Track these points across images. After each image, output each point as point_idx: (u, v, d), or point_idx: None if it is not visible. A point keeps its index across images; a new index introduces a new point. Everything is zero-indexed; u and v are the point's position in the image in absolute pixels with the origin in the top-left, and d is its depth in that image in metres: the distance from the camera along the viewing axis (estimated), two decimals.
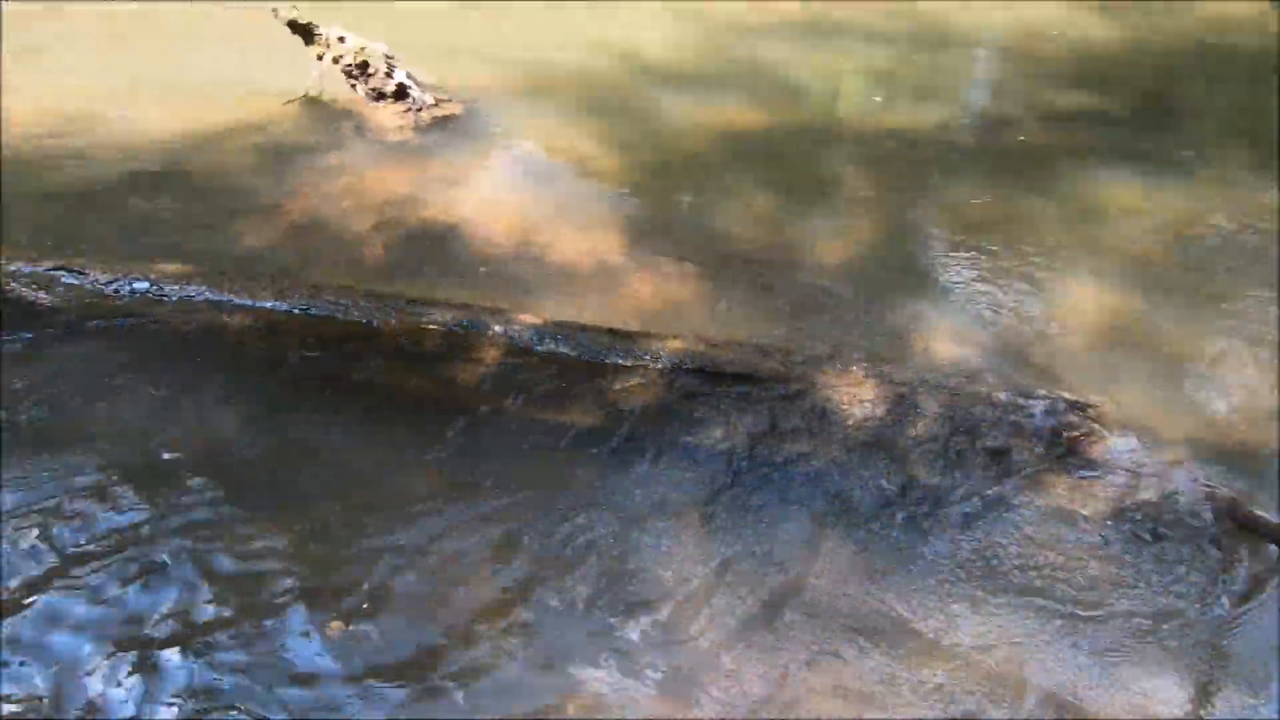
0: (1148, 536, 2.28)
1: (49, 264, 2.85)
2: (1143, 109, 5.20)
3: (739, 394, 2.56)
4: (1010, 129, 4.89)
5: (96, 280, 2.80)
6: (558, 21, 6.76)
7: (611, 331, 2.76)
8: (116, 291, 2.78)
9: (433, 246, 3.47)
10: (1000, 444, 2.41)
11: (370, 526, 2.23)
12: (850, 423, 2.46)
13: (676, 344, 2.72)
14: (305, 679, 1.88)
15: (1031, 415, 2.48)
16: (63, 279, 2.80)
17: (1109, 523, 2.31)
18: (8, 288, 2.77)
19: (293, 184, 3.85)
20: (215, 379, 2.65)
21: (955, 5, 7.45)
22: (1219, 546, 2.25)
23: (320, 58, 4.56)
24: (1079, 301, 3.30)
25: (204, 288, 2.82)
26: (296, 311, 2.77)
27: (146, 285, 2.79)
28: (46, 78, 4.84)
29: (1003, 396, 2.57)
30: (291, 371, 2.72)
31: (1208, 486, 2.34)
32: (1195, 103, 5.35)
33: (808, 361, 2.73)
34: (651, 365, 2.62)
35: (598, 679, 1.91)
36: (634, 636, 1.99)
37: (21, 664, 1.84)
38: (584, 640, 2.00)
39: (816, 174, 4.35)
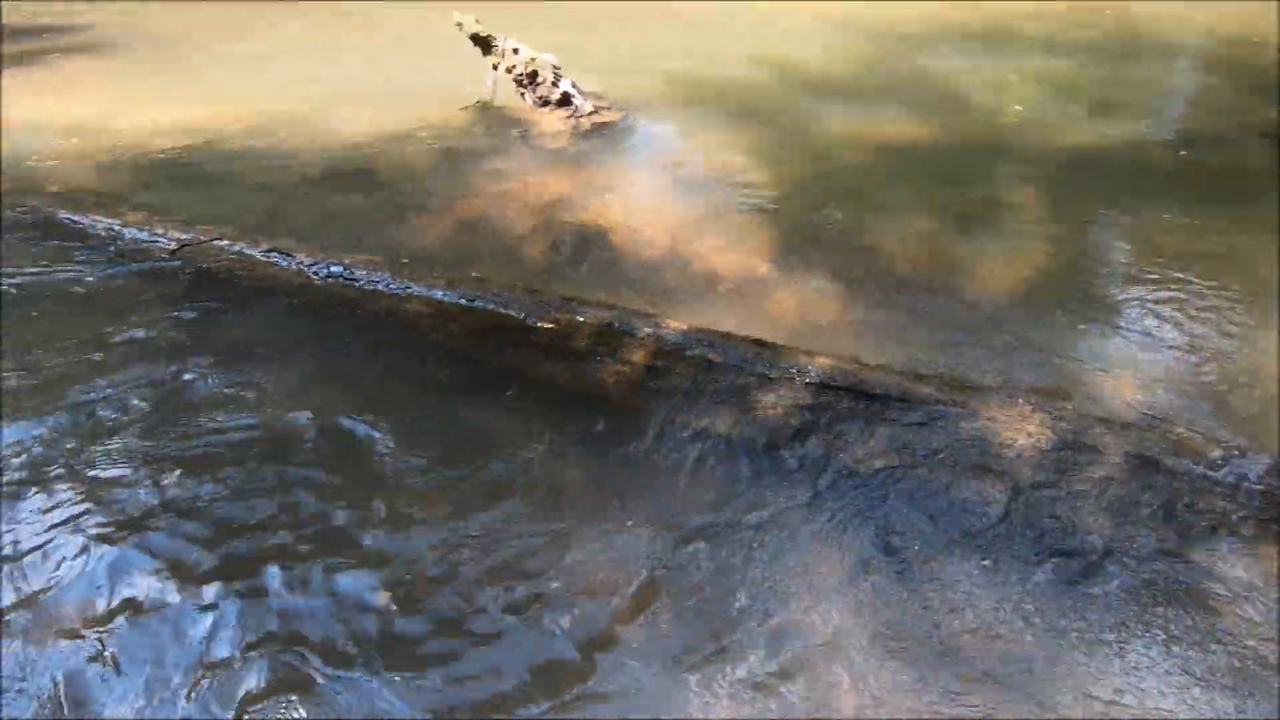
0: None
1: (265, 246, 3.27)
2: None
3: (889, 417, 2.48)
4: (1216, 147, 4.40)
5: (301, 263, 3.17)
6: (716, 35, 6.85)
7: (759, 342, 2.77)
8: (316, 273, 3.13)
9: (586, 248, 3.62)
10: (1197, 502, 2.16)
11: (512, 515, 2.35)
12: (1013, 458, 2.31)
13: (825, 360, 2.67)
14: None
15: (1239, 474, 2.21)
16: (275, 260, 3.20)
17: None
18: (233, 265, 3.20)
19: (463, 185, 4.15)
20: (393, 355, 2.91)
21: (1148, 7, 6.81)
22: None
23: (495, 66, 4.89)
24: None
25: (386, 275, 3.11)
26: (463, 302, 2.98)
27: (341, 269, 3.13)
28: (259, 85, 5.52)
29: (1201, 446, 2.31)
30: (454, 354, 2.93)
31: None
32: None
33: (967, 389, 2.60)
34: (798, 379, 2.59)
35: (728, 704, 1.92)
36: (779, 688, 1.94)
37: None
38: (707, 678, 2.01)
39: (983, 192, 4.12)
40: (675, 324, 2.88)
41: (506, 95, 5.04)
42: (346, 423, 2.61)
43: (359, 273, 3.12)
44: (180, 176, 4.22)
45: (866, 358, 2.88)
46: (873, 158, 4.43)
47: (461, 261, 3.51)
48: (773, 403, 2.55)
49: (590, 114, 4.81)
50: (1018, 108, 4.97)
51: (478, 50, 4.94)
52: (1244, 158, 4.37)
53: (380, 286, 3.07)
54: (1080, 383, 2.78)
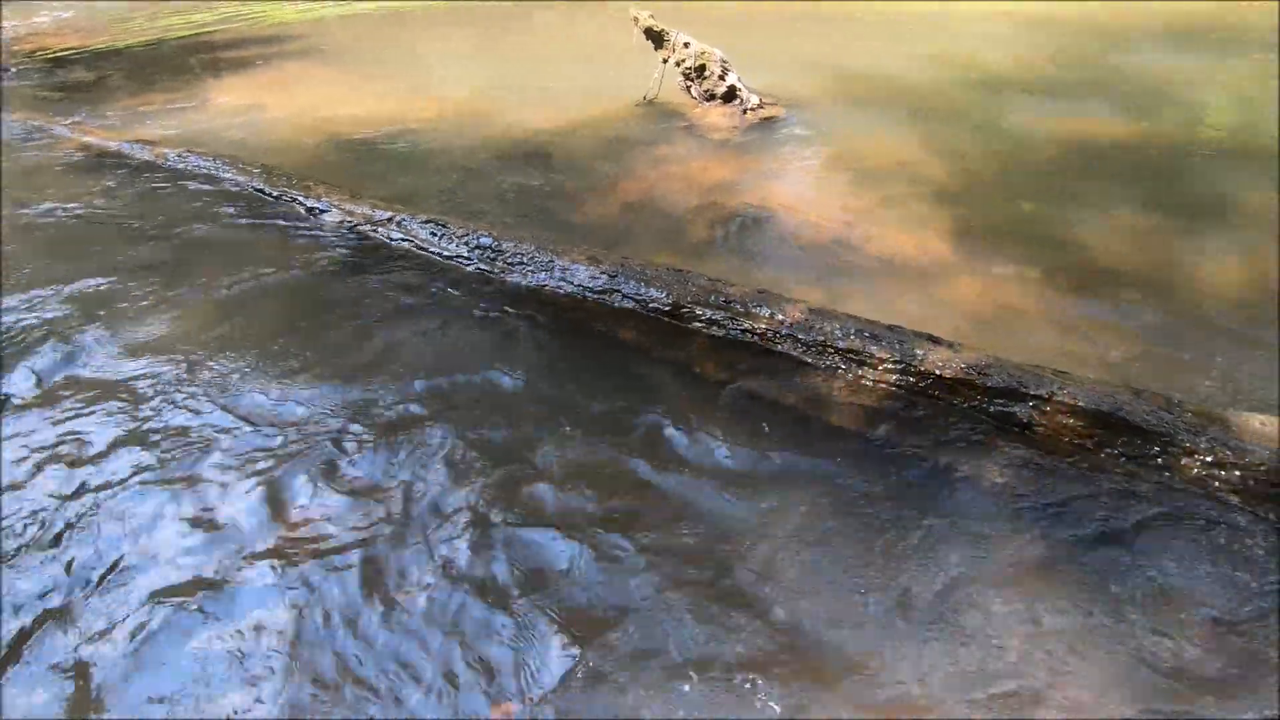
0: None
1: (424, 218, 3.44)
2: None
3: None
4: None
5: (453, 233, 3.30)
6: (895, 34, 6.65)
7: (932, 339, 2.51)
8: (467, 243, 3.26)
9: (749, 229, 3.55)
10: None
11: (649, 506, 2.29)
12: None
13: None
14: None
15: None
16: (432, 230, 3.37)
17: None
18: (404, 231, 3.41)
19: (628, 170, 4.23)
20: (531, 321, 2.95)
21: None
22: None
23: (665, 61, 4.98)
24: None
25: (532, 247, 3.16)
26: (602, 277, 2.95)
27: (490, 240, 3.22)
28: (455, 84, 5.94)
29: None
30: (589, 330, 2.88)
31: None
32: None
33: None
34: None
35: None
36: None
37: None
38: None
39: (1196, 190, 3.67)
40: (824, 306, 2.72)
41: (672, 92, 5.11)
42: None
43: (506, 244, 3.18)
44: (377, 157, 4.60)
45: (1067, 348, 2.60)
46: (1066, 154, 4.07)
47: (622, 236, 3.55)
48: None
49: (756, 108, 4.76)
50: (1212, 103, 4.42)
51: (641, 51, 5.06)
52: None
53: (525, 256, 3.11)
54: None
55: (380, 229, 3.52)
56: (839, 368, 2.51)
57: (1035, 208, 3.58)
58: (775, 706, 1.65)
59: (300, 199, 3.83)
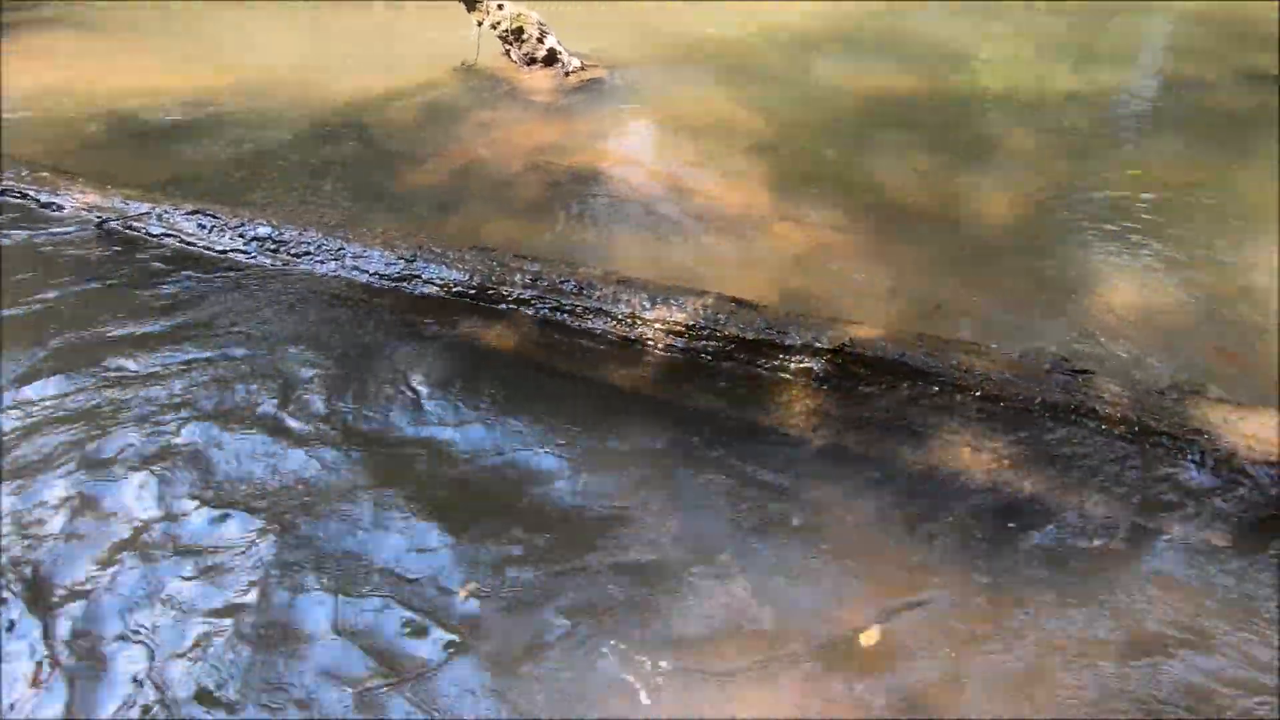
0: None
1: (189, 208, 3.01)
2: None
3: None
4: (1201, 91, 4.43)
5: (225, 224, 2.93)
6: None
7: (737, 301, 2.45)
8: (243, 234, 2.90)
9: (579, 189, 3.54)
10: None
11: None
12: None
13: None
14: None
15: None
16: (199, 220, 2.97)
17: None
18: (144, 225, 3.01)
19: (452, 136, 4.06)
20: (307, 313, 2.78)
21: None
22: None
23: (480, 24, 4.81)
24: None
25: (318, 234, 2.87)
26: (400, 263, 2.73)
27: (269, 229, 2.89)
28: (258, 54, 5.39)
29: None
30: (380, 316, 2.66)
31: None
32: None
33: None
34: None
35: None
36: None
37: None
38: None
39: (978, 135, 4.11)
40: (636, 276, 2.70)
41: (493, 57, 4.96)
42: None
43: (289, 232, 2.85)
44: (161, 136, 4.09)
45: (875, 284, 2.84)
46: (865, 106, 4.40)
47: (451, 205, 3.42)
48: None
49: (578, 70, 4.73)
50: (983, 58, 4.98)
51: (460, 15, 4.86)
52: (1223, 99, 4.40)
53: (307, 244, 2.80)
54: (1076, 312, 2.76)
55: (138, 224, 3.03)
56: (646, 338, 2.42)
57: (840, 156, 3.85)
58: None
59: (32, 193, 3.22)
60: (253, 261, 2.88)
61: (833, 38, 5.59)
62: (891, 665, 1.65)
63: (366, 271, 2.77)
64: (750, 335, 2.33)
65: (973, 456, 1.98)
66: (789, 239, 3.16)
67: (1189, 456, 1.89)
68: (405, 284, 2.72)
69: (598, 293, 2.53)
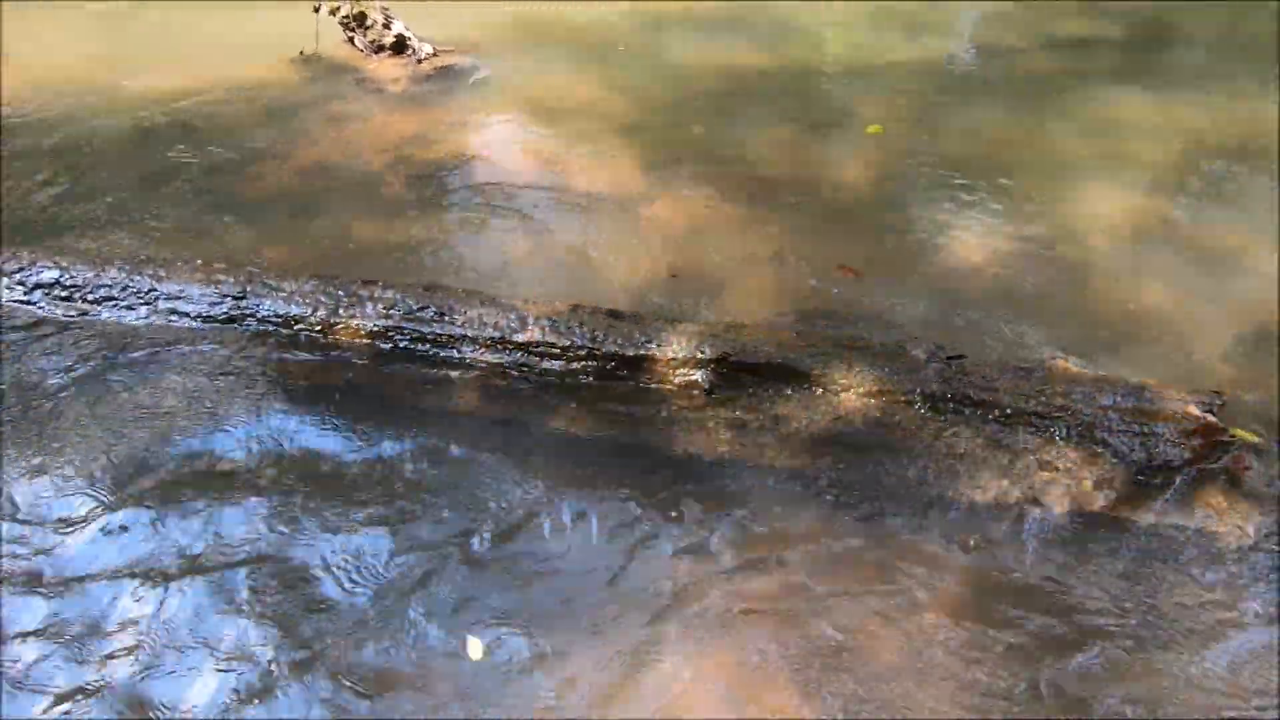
0: None
1: None
2: (1143, 33, 5.22)
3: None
4: (1013, 57, 4.89)
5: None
6: None
7: (616, 313, 2.36)
8: (23, 281, 2.47)
9: (447, 180, 3.41)
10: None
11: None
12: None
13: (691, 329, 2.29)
14: None
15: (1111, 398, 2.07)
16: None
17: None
18: None
19: (302, 132, 3.78)
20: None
21: None
22: None
23: (317, 9, 4.48)
24: (1099, 204, 3.30)
25: (124, 274, 2.46)
26: (227, 300, 2.42)
27: (56, 273, 2.46)
28: (50, 48, 4.73)
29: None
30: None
31: None
32: (1192, 25, 5.37)
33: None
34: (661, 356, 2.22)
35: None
36: None
37: None
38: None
39: (829, 105, 4.32)
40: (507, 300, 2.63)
41: (333, 45, 4.64)
42: None
43: (83, 272, 2.40)
44: None
45: (749, 250, 2.94)
46: (721, 82, 4.51)
47: (309, 209, 3.19)
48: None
49: (431, 56, 4.53)
50: (824, 32, 5.27)
51: (287, 5, 4.51)
52: (1031, 63, 4.89)
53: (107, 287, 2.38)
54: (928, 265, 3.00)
55: None
56: (521, 365, 2.28)
57: (705, 132, 3.93)
58: None
59: None
60: (43, 314, 2.43)
61: (685, 16, 5.67)
62: None
63: (187, 314, 2.40)
64: (630, 351, 2.21)
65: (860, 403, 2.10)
66: (667, 217, 3.21)
67: (1056, 433, 1.99)
68: (236, 324, 2.39)
69: (461, 317, 2.32)
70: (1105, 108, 4.15)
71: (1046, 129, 3.97)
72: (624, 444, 2.17)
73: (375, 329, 2.36)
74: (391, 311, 2.37)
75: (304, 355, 2.36)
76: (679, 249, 2.99)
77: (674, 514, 1.95)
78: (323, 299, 2.41)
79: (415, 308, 2.36)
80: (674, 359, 2.21)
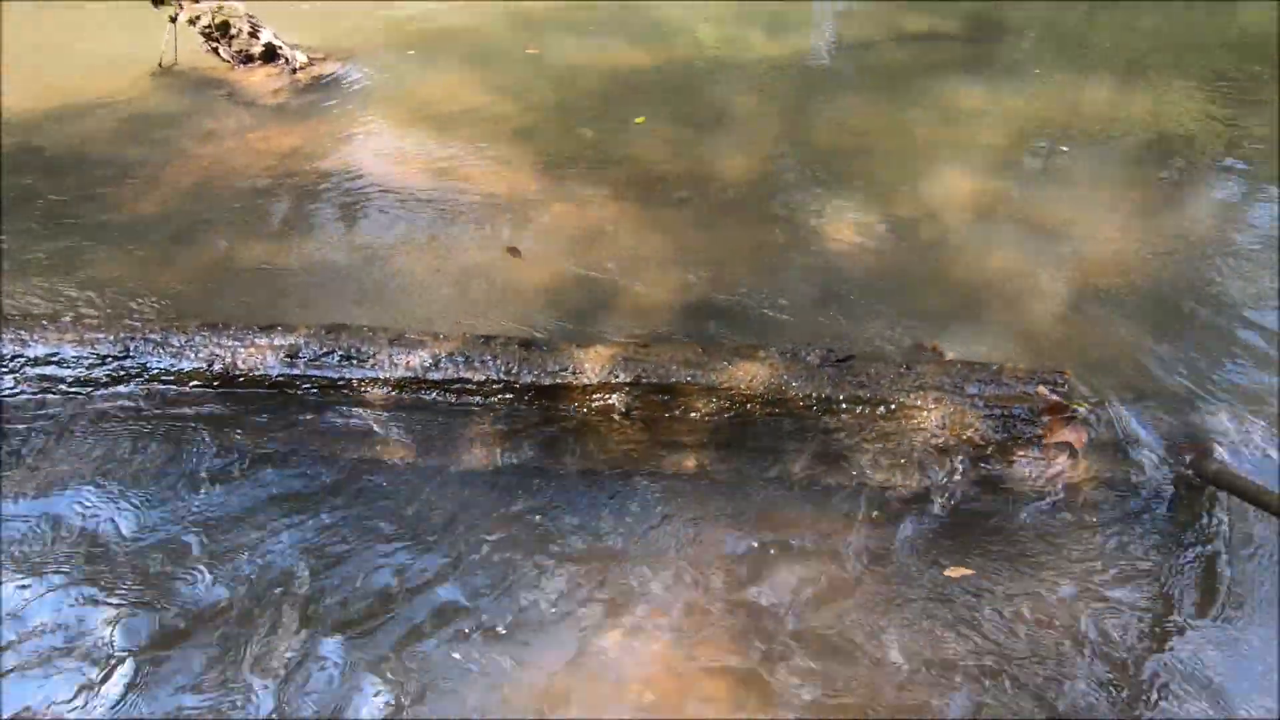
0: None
1: None
2: (977, 28, 5.78)
3: None
4: (869, 50, 5.30)
5: None
6: None
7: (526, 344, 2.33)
8: None
9: (336, 198, 3.36)
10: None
11: None
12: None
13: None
14: None
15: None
16: None
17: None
18: None
19: (173, 150, 3.60)
20: None
21: None
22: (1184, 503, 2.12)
23: (174, 19, 4.24)
24: (951, 186, 3.69)
25: None
26: (108, 361, 2.26)
27: None
28: None
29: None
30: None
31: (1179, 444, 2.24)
32: (1017, 20, 6.00)
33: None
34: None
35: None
36: None
37: None
38: None
39: (709, 101, 4.54)
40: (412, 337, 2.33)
41: (196, 56, 4.41)
42: None
43: None
44: None
45: (648, 248, 3.10)
46: (605, 83, 4.64)
47: (187, 235, 3.06)
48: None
49: (306, 66, 4.40)
50: (705, 29, 5.52)
51: (140, 16, 4.23)
52: (886, 56, 5.33)
53: None
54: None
55: None
56: (437, 403, 2.26)
57: (595, 133, 4.05)
58: None
59: None
60: None
61: (559, 17, 5.76)
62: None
63: (62, 380, 2.20)
64: (547, 381, 2.23)
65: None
66: (568, 220, 3.31)
67: (933, 419, 2.20)
68: (121, 385, 2.25)
69: (371, 359, 2.27)
70: (951, 96, 4.60)
71: (902, 117, 4.36)
72: (542, 468, 2.20)
73: (280, 377, 2.27)
74: (295, 360, 2.28)
75: (208, 409, 2.26)
76: (584, 252, 3.10)
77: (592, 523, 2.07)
78: (217, 351, 2.29)
79: (320, 352, 2.29)
80: (589, 385, 2.26)
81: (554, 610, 1.85)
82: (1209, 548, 2.02)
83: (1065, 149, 4.10)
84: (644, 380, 2.27)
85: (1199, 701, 1.71)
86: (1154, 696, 1.73)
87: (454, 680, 1.70)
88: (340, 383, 2.27)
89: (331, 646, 1.75)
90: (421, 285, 2.87)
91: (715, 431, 2.25)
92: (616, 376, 2.26)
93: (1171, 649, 1.81)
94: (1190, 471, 2.17)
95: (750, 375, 2.28)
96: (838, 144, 4.03)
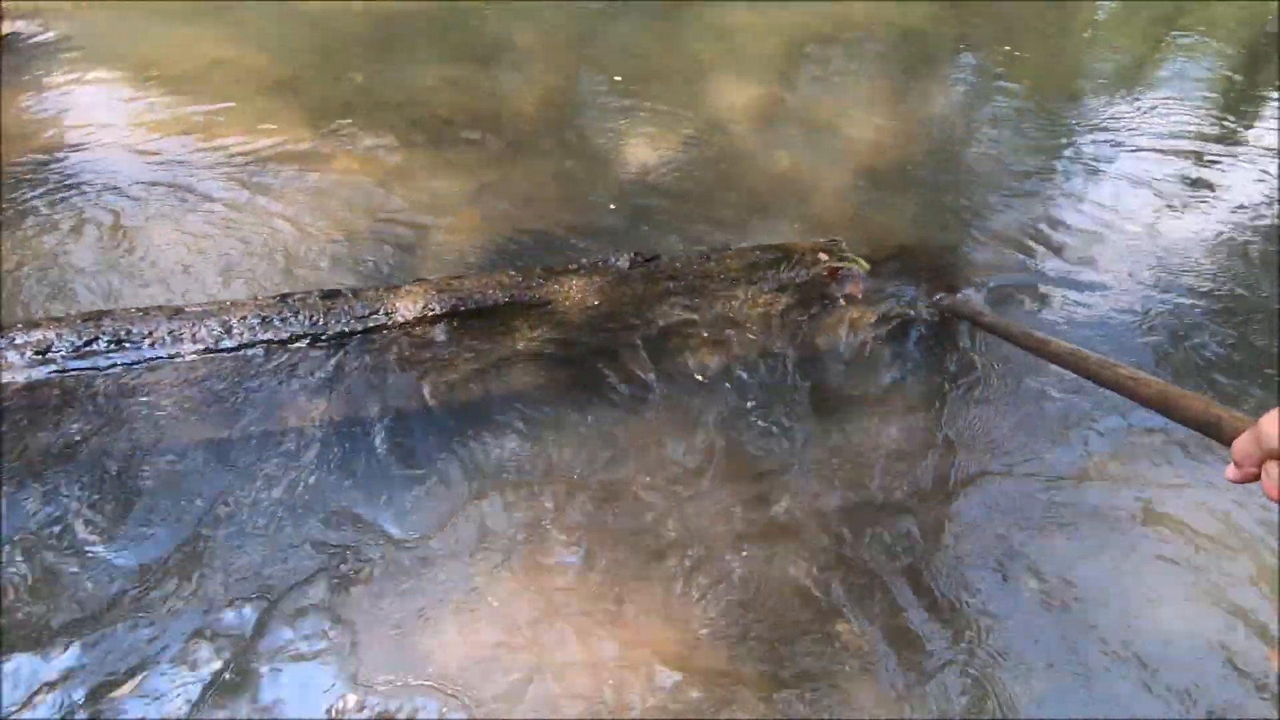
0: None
1: None
2: None
3: None
4: None
5: None
6: None
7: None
8: None
9: (67, 183, 2.85)
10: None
11: None
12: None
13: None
14: None
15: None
16: None
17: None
18: None
19: None
20: None
21: None
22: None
23: None
24: (734, 98, 3.86)
25: None
26: None
27: None
28: None
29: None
30: None
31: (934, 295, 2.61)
32: None
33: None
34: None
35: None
36: None
37: None
38: None
39: (491, 39, 4.34)
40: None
41: None
42: None
43: None
44: None
45: (446, 191, 2.96)
46: (371, 24, 4.28)
47: None
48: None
49: None
50: None
51: None
52: None
53: None
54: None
55: None
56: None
57: (368, 78, 3.75)
58: None
59: None
60: None
61: None
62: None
63: None
64: (360, 326, 2.13)
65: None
66: (355, 172, 3.06)
67: (740, 294, 2.41)
68: None
69: (148, 339, 2.01)
70: (722, 16, 4.77)
71: (680, 39, 4.46)
72: (372, 413, 2.13)
73: (32, 380, 1.94)
74: (49, 354, 1.96)
75: None
76: (381, 202, 2.90)
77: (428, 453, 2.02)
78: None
79: (80, 344, 1.98)
80: (405, 322, 2.18)
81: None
82: (960, 360, 2.42)
83: (828, 55, 4.43)
84: (462, 309, 2.21)
85: (974, 451, 2.19)
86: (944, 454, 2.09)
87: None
88: (111, 370, 1.97)
89: None
90: (201, 266, 2.54)
91: (544, 345, 2.25)
92: (433, 310, 2.18)
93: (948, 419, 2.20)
94: (945, 308, 2.55)
95: (566, 288, 2.29)
96: (622, 69, 4.05)
